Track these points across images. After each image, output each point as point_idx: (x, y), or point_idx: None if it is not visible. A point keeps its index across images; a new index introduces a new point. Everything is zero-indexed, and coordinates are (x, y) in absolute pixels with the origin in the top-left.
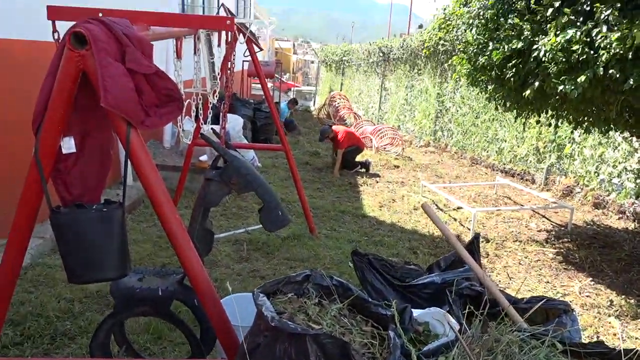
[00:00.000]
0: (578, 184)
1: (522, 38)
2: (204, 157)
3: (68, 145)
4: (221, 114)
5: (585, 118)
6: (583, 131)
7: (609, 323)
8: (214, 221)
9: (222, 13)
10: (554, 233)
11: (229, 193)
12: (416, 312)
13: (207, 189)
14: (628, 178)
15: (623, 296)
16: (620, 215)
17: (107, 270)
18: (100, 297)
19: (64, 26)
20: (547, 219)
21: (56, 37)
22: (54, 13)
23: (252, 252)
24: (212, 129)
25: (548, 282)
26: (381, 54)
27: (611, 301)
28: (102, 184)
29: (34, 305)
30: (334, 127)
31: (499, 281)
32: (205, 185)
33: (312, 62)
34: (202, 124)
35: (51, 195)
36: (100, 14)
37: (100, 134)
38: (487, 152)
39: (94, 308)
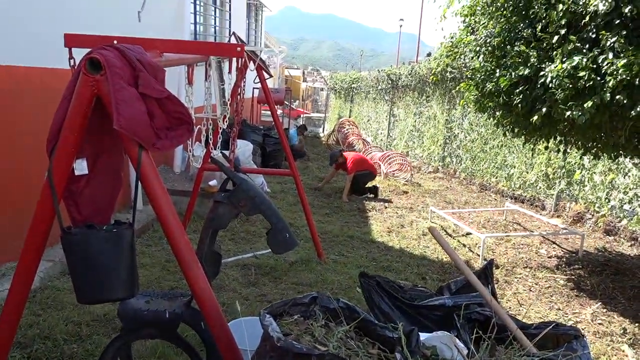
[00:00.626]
0: (589, 210)
1: (528, 65)
2: (213, 182)
3: (80, 167)
4: (231, 138)
5: (594, 144)
6: (592, 157)
7: (623, 351)
8: (222, 245)
9: (233, 41)
10: (564, 259)
11: (237, 215)
12: (423, 336)
13: (216, 211)
14: None
15: (637, 324)
16: (633, 242)
17: (115, 290)
18: (107, 320)
19: (79, 54)
20: (558, 245)
21: (72, 63)
22: (71, 40)
23: (260, 276)
24: (222, 153)
25: (559, 309)
26: (390, 81)
27: (624, 329)
28: (112, 205)
29: (42, 328)
30: (344, 153)
31: (509, 308)
32: (214, 207)
33: (322, 89)
34: (212, 149)
35: (62, 216)
36: (115, 41)
37: (111, 156)
38: (496, 178)
39: (101, 331)
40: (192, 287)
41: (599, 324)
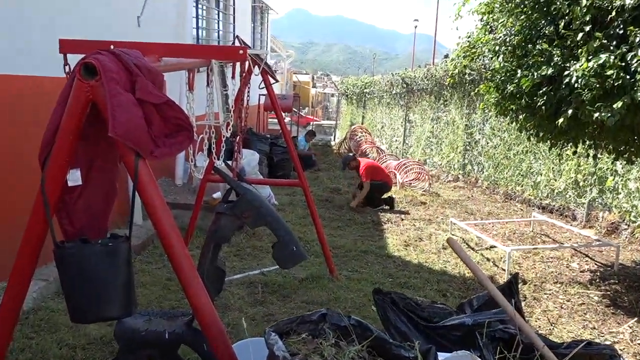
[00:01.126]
0: (624, 220)
1: (552, 64)
2: (217, 195)
3: (74, 177)
4: (235, 147)
5: (627, 147)
6: (625, 162)
7: None
8: (227, 262)
9: (237, 45)
10: (598, 274)
11: (241, 227)
12: (442, 356)
13: (218, 224)
14: None
15: None
16: None
17: (112, 308)
18: (104, 343)
19: (75, 61)
20: (591, 258)
21: (67, 69)
22: (66, 46)
23: (267, 295)
24: (225, 163)
25: (594, 328)
26: (404, 85)
27: None
28: (107, 218)
29: (34, 352)
30: (358, 158)
31: (539, 327)
32: (216, 219)
33: (332, 95)
34: (215, 159)
35: (55, 231)
36: (112, 46)
37: (106, 165)
38: (522, 186)
39: (98, 355)
40: (193, 305)
41: (639, 344)
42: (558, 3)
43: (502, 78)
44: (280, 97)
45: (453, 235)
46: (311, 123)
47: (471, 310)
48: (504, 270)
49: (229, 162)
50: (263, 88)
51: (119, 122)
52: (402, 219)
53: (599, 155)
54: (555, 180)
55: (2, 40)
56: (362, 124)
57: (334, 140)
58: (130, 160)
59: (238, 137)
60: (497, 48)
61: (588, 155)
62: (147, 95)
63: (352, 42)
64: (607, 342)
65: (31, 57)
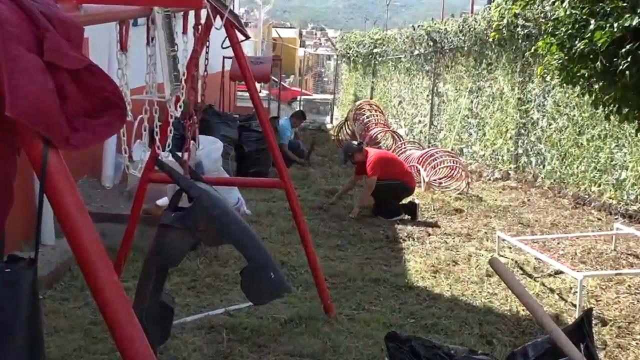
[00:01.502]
0: None
1: (638, 11)
2: (162, 201)
3: None
4: (186, 132)
5: None
6: None
7: None
8: (177, 297)
9: None
10: None
11: (195, 246)
12: None
13: (163, 241)
14: None
15: None
16: None
17: None
18: None
19: None
20: None
21: None
22: None
23: (235, 343)
24: (174, 154)
25: None
26: (431, 43)
27: None
28: None
29: None
30: (366, 148)
31: None
32: (160, 234)
33: (329, 58)
34: (159, 149)
35: None
36: None
37: None
38: (600, 186)
39: None
40: (126, 358)
41: None
42: None
43: (569, 31)
44: (254, 61)
45: (501, 255)
46: (298, 98)
47: None
48: (575, 305)
49: (179, 154)
50: (228, 47)
51: (19, 96)
52: (429, 234)
53: None
54: None
55: None
56: (370, 98)
57: (332, 122)
58: (36, 151)
59: (192, 117)
60: None
61: None
62: (60, 57)
63: None
64: None
65: None
